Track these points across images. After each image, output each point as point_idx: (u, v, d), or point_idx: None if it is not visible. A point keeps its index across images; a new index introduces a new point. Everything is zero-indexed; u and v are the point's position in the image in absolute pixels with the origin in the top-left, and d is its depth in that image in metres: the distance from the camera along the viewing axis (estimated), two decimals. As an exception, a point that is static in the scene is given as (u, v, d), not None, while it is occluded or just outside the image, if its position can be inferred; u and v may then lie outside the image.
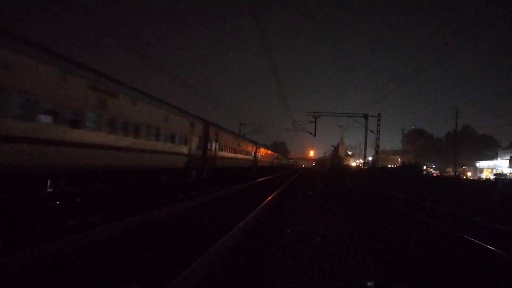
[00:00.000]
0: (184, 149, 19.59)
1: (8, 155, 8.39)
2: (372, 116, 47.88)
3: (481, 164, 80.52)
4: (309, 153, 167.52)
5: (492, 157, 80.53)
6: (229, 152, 30.25)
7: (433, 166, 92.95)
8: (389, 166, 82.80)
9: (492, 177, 63.20)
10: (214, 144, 25.13)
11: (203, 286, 4.48)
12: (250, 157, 40.03)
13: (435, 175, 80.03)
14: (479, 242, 8.01)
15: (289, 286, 4.80)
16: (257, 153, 44.75)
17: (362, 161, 68.16)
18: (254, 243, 6.81)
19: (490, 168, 75.50)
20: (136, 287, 4.46)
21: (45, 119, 9.49)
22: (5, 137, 8.21)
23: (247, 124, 64.11)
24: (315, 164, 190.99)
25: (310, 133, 49.64)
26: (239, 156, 34.29)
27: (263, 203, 11.81)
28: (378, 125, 47.67)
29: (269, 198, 13.61)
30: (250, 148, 40.77)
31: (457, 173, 65.36)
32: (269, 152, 60.95)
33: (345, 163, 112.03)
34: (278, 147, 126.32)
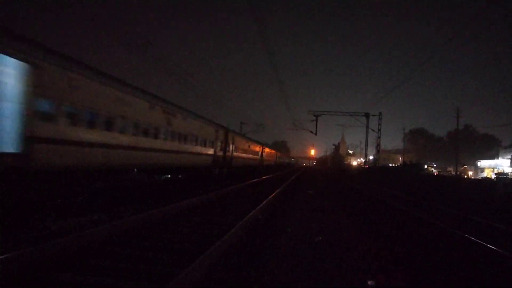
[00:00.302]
0: (211, 151, 24.43)
1: (133, 157, 14.00)
2: (373, 115, 47.86)
3: (482, 163, 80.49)
4: (310, 152, 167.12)
5: (493, 156, 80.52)
6: (242, 153, 35.14)
7: (434, 165, 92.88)
8: (390, 165, 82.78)
9: (493, 176, 63.16)
10: (231, 147, 29.99)
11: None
12: (257, 157, 44.95)
13: (435, 174, 79.96)
14: (479, 241, 7.99)
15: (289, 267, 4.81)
16: (263, 153, 49.10)
17: (363, 160, 68.10)
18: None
19: (491, 167, 75.50)
20: (137, 286, 4.47)
21: (146, 135, 14.84)
22: (134, 147, 13.86)
23: (248, 123, 64.14)
24: (316, 163, 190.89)
25: (311, 132, 49.62)
26: (249, 156, 39.52)
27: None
28: (379, 124, 47.63)
29: (275, 192, 16.07)
30: (257, 149, 45.38)
31: (458, 172, 65.30)
32: (273, 152, 65.58)
33: (346, 162, 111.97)
34: (279, 146, 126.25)
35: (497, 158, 78.59)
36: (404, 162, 69.69)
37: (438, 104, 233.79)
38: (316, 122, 47.41)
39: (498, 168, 70.55)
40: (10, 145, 8.20)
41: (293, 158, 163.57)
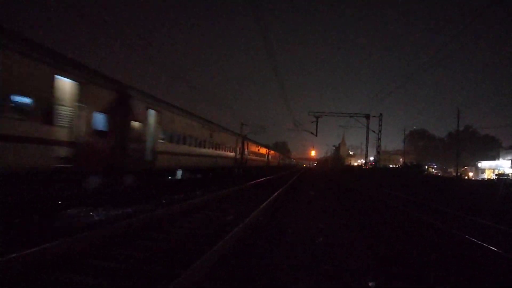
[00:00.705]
0: (233, 155, 31.83)
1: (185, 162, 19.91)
2: (373, 116, 47.80)
3: (483, 164, 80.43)
4: (310, 153, 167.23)
5: (494, 157, 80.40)
6: (253, 156, 42.34)
7: (435, 166, 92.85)
8: (391, 166, 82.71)
9: (494, 177, 63.10)
10: (246, 151, 36.91)
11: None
12: (264, 159, 52.03)
13: (437, 174, 79.85)
14: (480, 242, 7.99)
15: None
16: (269, 155, 56.53)
17: (364, 161, 68.07)
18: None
19: (492, 168, 75.43)
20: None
21: (199, 146, 22.02)
22: (188, 154, 20.02)
23: (248, 124, 64.13)
24: (316, 164, 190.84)
25: (312, 133, 49.60)
26: (259, 158, 46.96)
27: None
28: (379, 125, 47.57)
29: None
30: (264, 152, 52.25)
31: (459, 174, 65.24)
32: (277, 154, 73.70)
33: (347, 163, 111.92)
34: (280, 147, 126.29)
35: (498, 159, 78.49)
36: (404, 163, 69.58)
37: (438, 105, 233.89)
38: (317, 123, 47.39)
39: (499, 169, 70.47)
40: (149, 156, 15.01)
41: (294, 159, 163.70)
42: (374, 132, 48.48)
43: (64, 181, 10.30)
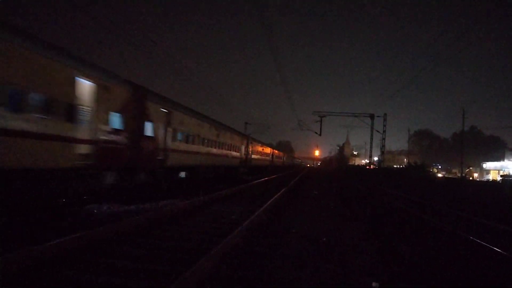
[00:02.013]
0: (239, 155, 33.03)
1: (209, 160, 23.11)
2: (378, 116, 47.65)
3: (487, 165, 79.98)
4: (314, 152, 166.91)
5: (499, 158, 79.92)
6: (257, 155, 43.19)
7: (439, 166, 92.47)
8: (395, 166, 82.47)
9: (499, 178, 62.74)
10: (250, 150, 37.85)
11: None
12: (269, 158, 53.61)
13: (441, 175, 79.48)
14: (483, 243, 7.97)
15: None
16: (273, 155, 58.17)
17: (368, 161, 67.93)
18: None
19: (497, 169, 74.98)
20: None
21: (208, 145, 23.17)
22: (204, 153, 22.22)
23: (252, 123, 64.15)
24: (320, 163, 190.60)
25: (316, 132, 49.51)
26: (263, 157, 48.09)
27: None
28: (384, 125, 47.44)
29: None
30: (269, 151, 53.88)
31: (464, 174, 64.92)
32: (281, 153, 74.72)
33: (351, 163, 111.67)
34: (283, 146, 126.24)
35: (503, 160, 78.05)
36: (409, 164, 69.36)
37: (443, 106, 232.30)
38: (321, 122, 47.31)
39: (504, 170, 70.06)
40: (161, 155, 15.95)
41: (298, 159, 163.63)
42: (379, 132, 48.37)
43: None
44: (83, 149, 10.58)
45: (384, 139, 48.65)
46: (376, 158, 69.28)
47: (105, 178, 11.93)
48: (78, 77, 10.19)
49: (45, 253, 4.82)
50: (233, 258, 5.46)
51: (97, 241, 5.78)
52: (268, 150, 52.33)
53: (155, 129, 15.06)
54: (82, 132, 10.47)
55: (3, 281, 4.09)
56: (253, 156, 39.39)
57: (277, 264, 5.53)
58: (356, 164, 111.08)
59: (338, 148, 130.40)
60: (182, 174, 20.16)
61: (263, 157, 47.83)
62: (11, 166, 8.14)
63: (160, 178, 16.14)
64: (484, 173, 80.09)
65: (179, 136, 18.07)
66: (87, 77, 10.56)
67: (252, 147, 38.78)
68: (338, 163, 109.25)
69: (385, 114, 47.31)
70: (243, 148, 34.43)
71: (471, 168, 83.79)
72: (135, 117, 13.35)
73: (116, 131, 12.10)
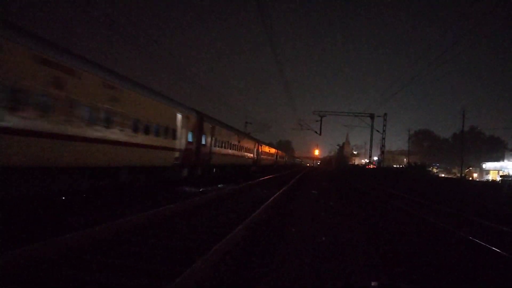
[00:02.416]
0: (252, 156, 39.27)
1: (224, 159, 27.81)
2: (378, 116, 47.73)
3: (487, 165, 79.97)
4: (314, 152, 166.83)
5: (499, 158, 79.94)
6: (264, 155, 48.83)
7: (437, 165, 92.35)
8: (395, 166, 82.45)
9: (498, 178, 62.75)
10: (259, 151, 44.20)
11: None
12: (273, 158, 59.96)
13: (441, 175, 79.48)
14: (482, 243, 7.98)
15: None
16: (277, 155, 64.90)
17: (368, 161, 67.98)
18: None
19: (496, 169, 74.99)
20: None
21: (233, 149, 30.21)
22: (233, 155, 30.62)
23: (252, 123, 64.31)
24: (320, 163, 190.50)
25: (316, 132, 49.59)
26: (269, 158, 54.26)
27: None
28: (384, 125, 47.55)
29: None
30: (273, 152, 60.20)
31: (463, 174, 64.94)
32: (283, 154, 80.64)
33: (351, 163, 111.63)
34: (283, 146, 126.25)
35: (503, 160, 78.08)
36: (408, 163, 69.38)
37: (443, 106, 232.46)
38: (321, 122, 47.44)
39: (504, 171, 70.07)
40: (208, 157, 21.94)
41: (298, 158, 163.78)
42: (379, 131, 48.46)
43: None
44: (176, 154, 17.30)
45: (384, 139, 48.78)
46: (376, 158, 69.32)
47: (183, 172, 19.15)
48: (177, 113, 17.38)
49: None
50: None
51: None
52: (273, 151, 59.71)
53: (206, 139, 21.94)
54: (176, 144, 17.23)
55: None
56: (261, 156, 46.02)
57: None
58: (356, 163, 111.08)
59: (338, 147, 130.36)
60: (213, 170, 26.06)
61: (269, 157, 54.99)
62: (151, 164, 15.27)
63: (207, 172, 23.44)
64: (484, 173, 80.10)
65: (217, 143, 24.75)
66: (179, 112, 17.66)
67: (261, 149, 45.24)
68: (338, 163, 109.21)
69: (385, 114, 47.45)
70: (254, 150, 40.90)
71: (471, 168, 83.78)
72: (197, 132, 20.37)
73: (189, 143, 19.16)
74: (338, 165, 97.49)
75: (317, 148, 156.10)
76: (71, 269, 4.57)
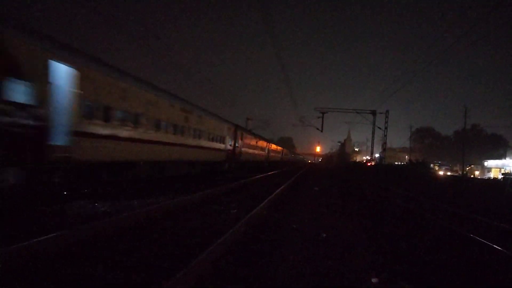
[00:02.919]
0: (264, 153, 46.64)
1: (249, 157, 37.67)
2: (380, 113, 47.60)
3: (489, 163, 79.79)
4: (315, 148, 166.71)
5: (501, 156, 79.72)
6: (273, 153, 56.33)
7: (439, 163, 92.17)
8: (396, 163, 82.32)
9: (500, 176, 62.56)
10: (270, 150, 51.48)
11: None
12: (279, 155, 67.87)
13: (442, 173, 79.25)
14: (483, 240, 7.99)
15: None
16: (282, 152, 72.31)
17: (369, 158, 67.92)
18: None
19: (498, 167, 74.80)
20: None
21: (255, 149, 40.89)
22: (258, 154, 43.34)
23: (253, 119, 64.44)
24: (321, 160, 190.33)
25: (317, 128, 49.53)
26: (276, 155, 62.30)
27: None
28: (386, 122, 47.38)
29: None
30: (280, 149, 68.34)
31: (465, 172, 64.81)
32: (287, 151, 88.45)
33: (352, 160, 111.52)
34: (285, 142, 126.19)
35: (505, 158, 77.89)
36: (410, 161, 69.21)
37: (445, 103, 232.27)
38: (322, 119, 47.33)
39: (505, 168, 69.89)
40: (239, 157, 32.04)
41: (299, 155, 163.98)
42: (380, 128, 48.36)
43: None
44: (223, 153, 26.19)
45: (385, 136, 48.64)
46: (377, 155, 69.22)
47: (225, 165, 27.87)
48: (223, 124, 26.03)
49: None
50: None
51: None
52: (279, 149, 67.64)
53: (238, 143, 30.51)
54: (224, 146, 26.02)
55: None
56: (271, 154, 53.61)
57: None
58: (357, 160, 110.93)
59: (340, 144, 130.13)
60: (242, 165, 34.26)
61: (277, 155, 62.70)
62: (212, 160, 24.00)
63: (239, 166, 31.86)
64: (486, 171, 79.92)
65: (245, 146, 33.39)
66: (225, 124, 26.66)
67: (270, 147, 53.04)
68: (339, 160, 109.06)
69: (387, 111, 47.27)
70: (266, 149, 48.10)
71: (473, 166, 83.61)
72: (234, 137, 28.97)
73: (230, 145, 27.79)
74: (340, 162, 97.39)
75: (318, 145, 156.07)
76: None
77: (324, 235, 7.58)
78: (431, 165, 73.06)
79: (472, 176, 73.55)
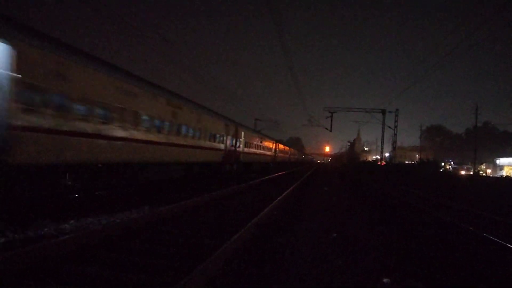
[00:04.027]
0: (270, 153, 45.62)
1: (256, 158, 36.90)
2: (389, 112, 47.18)
3: (501, 161, 78.70)
4: (324, 148, 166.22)
5: (513, 154, 78.50)
6: (280, 153, 56.07)
7: (451, 162, 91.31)
8: (407, 162, 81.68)
9: (512, 174, 61.72)
10: (277, 150, 51.29)
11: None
12: (287, 155, 67.60)
13: (461, 173, 78.39)
14: (496, 239, 7.92)
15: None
16: (290, 152, 72.86)
17: (379, 157, 67.52)
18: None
19: (511, 165, 73.77)
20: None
21: (261, 149, 39.50)
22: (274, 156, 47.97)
23: (262, 120, 64.26)
24: (331, 159, 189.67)
25: (326, 128, 49.34)
26: (284, 155, 62.24)
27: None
28: (395, 121, 47.00)
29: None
30: (287, 149, 68.27)
31: (477, 170, 64.03)
32: (295, 151, 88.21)
33: (362, 159, 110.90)
34: (294, 142, 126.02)
35: (517, 155, 76.68)
36: (420, 160, 68.63)
37: (456, 101, 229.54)
38: (331, 118, 47.12)
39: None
40: (241, 155, 29.48)
41: (308, 155, 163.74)
42: (390, 127, 48.02)
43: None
44: (221, 153, 23.47)
45: (395, 134, 48.28)
46: (387, 154, 68.76)
47: (226, 167, 25.25)
48: (225, 123, 24.36)
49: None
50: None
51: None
52: (287, 149, 68.33)
53: (240, 142, 28.49)
54: (222, 146, 23.60)
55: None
56: (279, 154, 53.37)
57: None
58: (367, 159, 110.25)
59: (349, 144, 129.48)
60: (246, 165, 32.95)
61: (284, 155, 62.58)
62: (206, 161, 20.91)
63: (240, 167, 29.53)
64: (498, 169, 78.86)
65: (247, 145, 31.08)
66: (223, 121, 24.27)
67: (278, 147, 52.44)
68: (349, 160, 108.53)
69: (397, 110, 46.88)
70: (273, 149, 47.91)
71: (484, 164, 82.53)
72: (235, 137, 26.65)
73: (231, 145, 25.62)
74: (349, 162, 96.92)
75: (327, 145, 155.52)
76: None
77: (335, 234, 7.57)
78: (442, 163, 72.39)
79: (484, 174, 72.61)
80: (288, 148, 70.51)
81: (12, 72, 7.71)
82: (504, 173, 71.80)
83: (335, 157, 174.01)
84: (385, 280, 5.02)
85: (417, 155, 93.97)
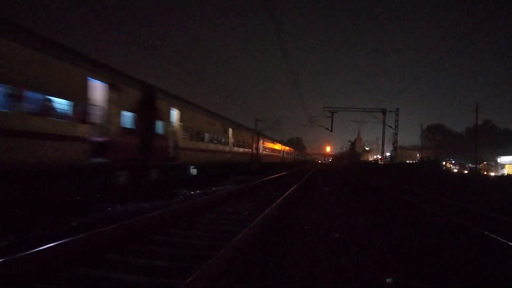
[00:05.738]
0: (279, 155, 54.67)
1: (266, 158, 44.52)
2: (390, 111, 47.17)
3: (502, 159, 78.58)
4: (325, 148, 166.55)
5: (514, 152, 78.35)
6: (287, 155, 64.36)
7: (453, 161, 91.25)
8: (408, 161, 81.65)
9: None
10: (284, 152, 58.85)
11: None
12: (292, 156, 75.53)
13: (455, 171, 78.39)
14: (498, 237, 7.90)
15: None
16: (294, 154, 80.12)
17: (380, 157, 67.52)
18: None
19: (512, 163, 73.60)
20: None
21: (279, 153, 54.50)
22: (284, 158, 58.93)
23: (263, 120, 64.46)
24: (331, 159, 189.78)
25: (327, 128, 49.33)
26: (289, 156, 69.94)
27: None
28: (396, 120, 47.00)
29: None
30: (292, 151, 75.73)
31: (478, 169, 63.91)
32: (291, 149, 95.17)
33: (363, 159, 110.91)
34: (294, 143, 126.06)
35: (519, 153, 76.50)
36: (421, 159, 68.59)
37: (456, 99, 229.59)
38: (332, 118, 47.10)
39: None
40: (259, 159, 38.35)
41: (309, 155, 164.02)
42: (391, 127, 48.03)
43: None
44: (249, 156, 32.61)
45: (396, 134, 48.27)
46: (388, 154, 68.74)
47: (252, 166, 32.90)
48: (251, 134, 34.27)
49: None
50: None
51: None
52: (292, 150, 76.72)
53: (260, 147, 35.77)
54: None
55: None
56: (285, 155, 60.64)
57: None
58: (368, 159, 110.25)
59: (350, 144, 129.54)
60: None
61: (290, 156, 70.39)
62: (244, 162, 30.70)
63: (259, 166, 36.17)
64: (499, 167, 78.71)
65: (264, 148, 39.33)
66: (250, 132, 34.00)
67: (285, 149, 59.15)
68: (350, 159, 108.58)
69: (397, 109, 46.86)
70: (281, 151, 54.72)
71: (485, 162, 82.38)
72: (256, 142, 34.62)
73: (255, 149, 33.89)
74: (350, 162, 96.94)
75: (328, 145, 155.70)
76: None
77: (337, 235, 7.56)
78: (444, 163, 72.33)
79: (485, 173, 72.49)
80: (292, 149, 79.01)
81: (179, 122, 16.41)
82: (506, 171, 71.68)
83: (336, 157, 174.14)
84: (388, 280, 5.01)
85: (418, 154, 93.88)
